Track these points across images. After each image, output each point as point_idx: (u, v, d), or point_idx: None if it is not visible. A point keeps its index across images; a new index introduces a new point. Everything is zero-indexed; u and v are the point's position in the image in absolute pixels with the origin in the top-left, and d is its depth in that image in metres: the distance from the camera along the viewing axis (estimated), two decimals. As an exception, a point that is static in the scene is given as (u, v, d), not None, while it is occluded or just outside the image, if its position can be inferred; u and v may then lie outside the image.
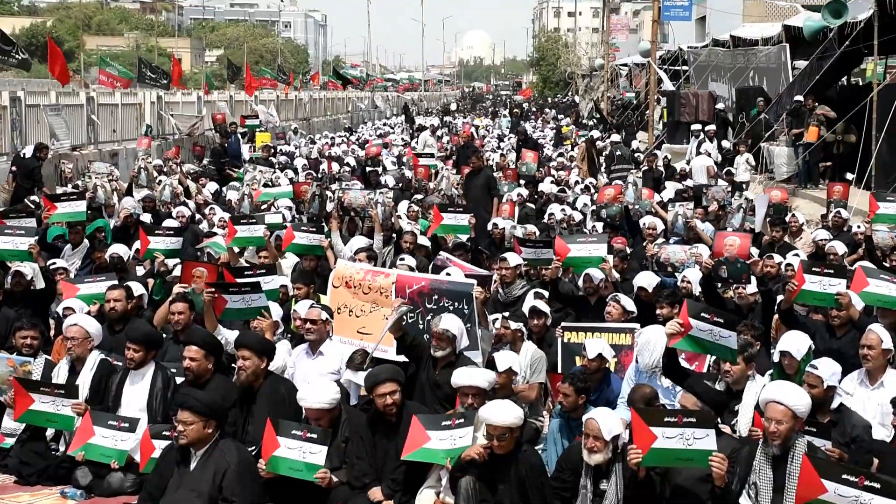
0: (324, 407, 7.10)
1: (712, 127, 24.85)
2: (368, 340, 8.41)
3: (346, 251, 11.41)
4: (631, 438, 6.27)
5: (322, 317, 8.57)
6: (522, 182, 19.30)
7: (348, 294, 8.87)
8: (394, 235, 12.76)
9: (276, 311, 9.03)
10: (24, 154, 18.31)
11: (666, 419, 6.12)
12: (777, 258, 10.93)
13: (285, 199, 15.45)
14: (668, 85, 32.19)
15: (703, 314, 7.22)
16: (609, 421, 6.38)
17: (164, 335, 9.17)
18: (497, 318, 9.11)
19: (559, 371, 8.81)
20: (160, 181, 17.41)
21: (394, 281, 8.67)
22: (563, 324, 9.12)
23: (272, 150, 26.00)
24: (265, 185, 17.18)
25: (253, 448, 7.17)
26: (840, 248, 11.47)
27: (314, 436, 6.78)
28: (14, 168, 17.86)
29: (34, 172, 17.53)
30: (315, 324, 8.48)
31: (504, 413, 6.45)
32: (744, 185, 20.34)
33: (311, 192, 14.69)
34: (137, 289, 9.83)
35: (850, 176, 17.74)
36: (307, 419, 7.22)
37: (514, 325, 8.90)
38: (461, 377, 7.14)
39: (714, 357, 7.68)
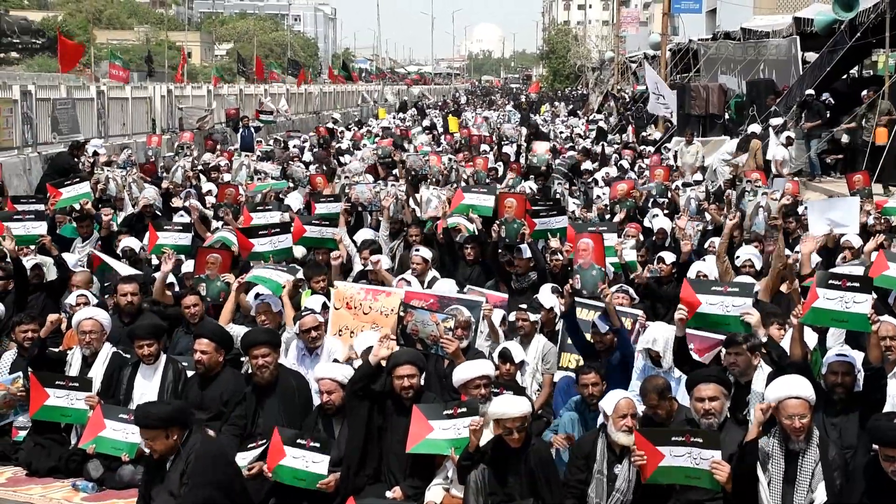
0: (337, 379, 7.24)
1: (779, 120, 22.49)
2: None
3: (352, 246, 11.38)
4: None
5: (320, 320, 8.48)
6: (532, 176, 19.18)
7: (349, 315, 8.87)
8: (403, 229, 12.69)
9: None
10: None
11: (673, 438, 6.11)
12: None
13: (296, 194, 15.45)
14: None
15: (714, 288, 7.26)
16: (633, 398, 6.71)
17: (177, 328, 9.19)
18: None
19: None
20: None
21: (397, 300, 8.55)
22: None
23: (283, 143, 25.95)
24: (250, 179, 17.12)
25: (263, 442, 7.18)
26: (856, 240, 11.32)
27: (317, 444, 6.80)
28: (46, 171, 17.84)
29: (71, 170, 17.37)
30: (318, 329, 8.38)
31: (516, 405, 6.48)
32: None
33: (341, 184, 14.92)
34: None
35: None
36: (320, 406, 7.33)
37: (533, 316, 8.76)
38: (464, 372, 7.15)
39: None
